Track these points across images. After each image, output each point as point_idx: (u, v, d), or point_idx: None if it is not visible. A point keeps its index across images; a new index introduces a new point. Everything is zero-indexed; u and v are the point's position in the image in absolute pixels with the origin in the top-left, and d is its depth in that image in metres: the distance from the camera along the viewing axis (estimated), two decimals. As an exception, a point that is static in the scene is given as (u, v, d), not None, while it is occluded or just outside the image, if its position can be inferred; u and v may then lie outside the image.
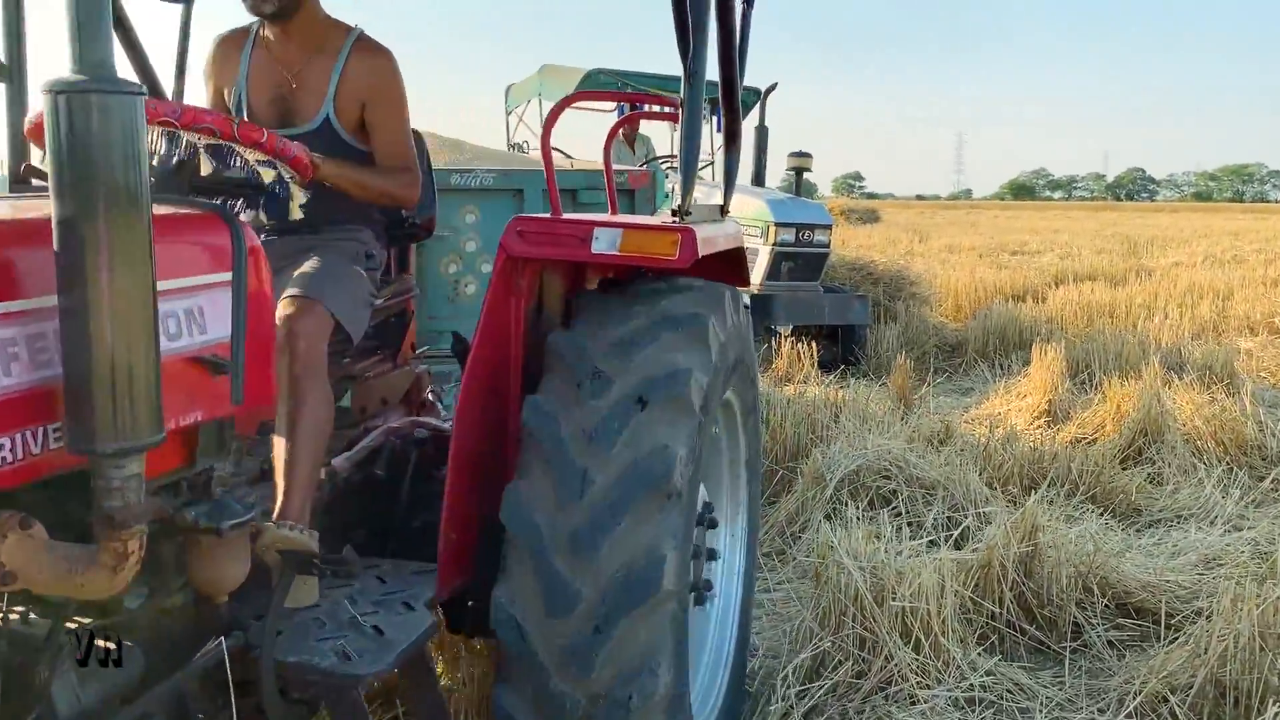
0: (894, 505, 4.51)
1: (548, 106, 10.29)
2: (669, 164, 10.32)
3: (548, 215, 2.56)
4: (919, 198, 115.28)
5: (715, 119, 10.46)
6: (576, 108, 10.30)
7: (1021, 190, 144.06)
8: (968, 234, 27.56)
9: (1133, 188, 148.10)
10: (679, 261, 2.30)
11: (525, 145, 10.38)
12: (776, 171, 11.14)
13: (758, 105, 10.06)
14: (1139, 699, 3.06)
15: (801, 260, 8.93)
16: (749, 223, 8.87)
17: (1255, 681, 2.99)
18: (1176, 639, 3.34)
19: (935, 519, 4.38)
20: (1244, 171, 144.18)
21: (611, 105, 10.34)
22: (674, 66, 2.47)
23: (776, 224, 8.75)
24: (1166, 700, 3.04)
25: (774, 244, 8.75)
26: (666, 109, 11.37)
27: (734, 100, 2.87)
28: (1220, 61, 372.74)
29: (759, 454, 3.23)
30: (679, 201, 2.59)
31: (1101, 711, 3.14)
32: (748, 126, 10.27)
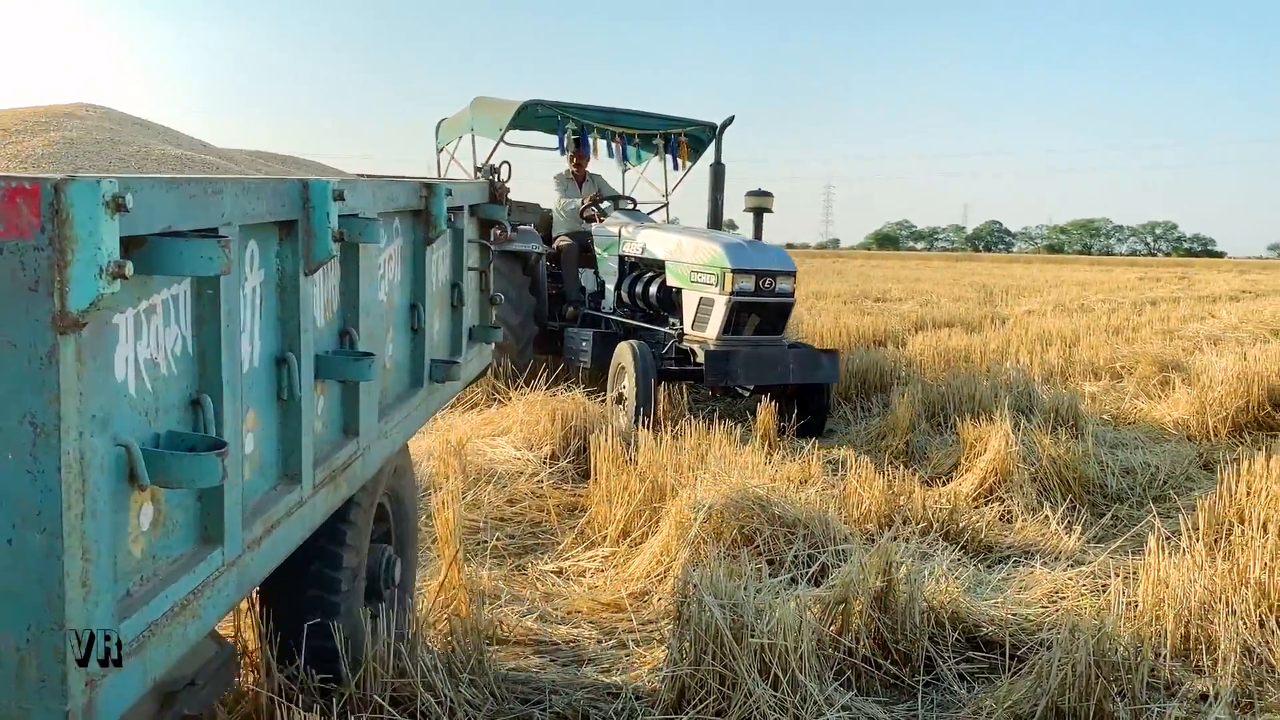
0: (756, 544, 4.58)
1: (481, 142, 9.80)
2: (617, 203, 9.65)
3: None
4: (789, 246, 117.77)
5: (670, 155, 9.98)
6: (514, 143, 9.85)
7: (886, 240, 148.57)
8: (834, 282, 28.38)
9: (990, 239, 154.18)
10: None
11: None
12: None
13: (713, 142, 9.20)
14: (985, 729, 3.17)
15: (762, 311, 7.88)
16: (704, 269, 7.83)
17: (1091, 707, 3.13)
18: (1021, 669, 3.46)
19: (796, 556, 4.46)
20: (1091, 226, 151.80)
21: (553, 140, 9.90)
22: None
23: (733, 271, 7.57)
24: (1011, 729, 3.16)
25: (731, 293, 7.57)
26: (614, 144, 10.20)
27: None
28: (1071, 121, 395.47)
29: None
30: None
31: (951, 742, 3.24)
32: (702, 165, 9.59)
